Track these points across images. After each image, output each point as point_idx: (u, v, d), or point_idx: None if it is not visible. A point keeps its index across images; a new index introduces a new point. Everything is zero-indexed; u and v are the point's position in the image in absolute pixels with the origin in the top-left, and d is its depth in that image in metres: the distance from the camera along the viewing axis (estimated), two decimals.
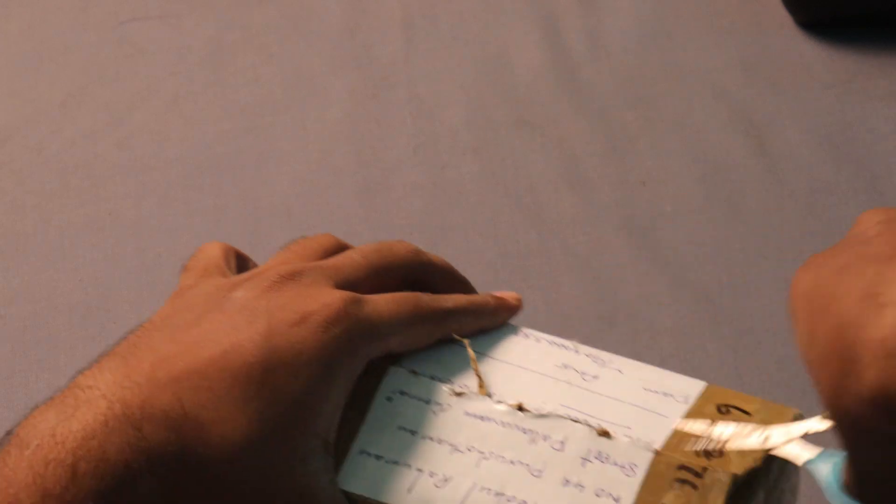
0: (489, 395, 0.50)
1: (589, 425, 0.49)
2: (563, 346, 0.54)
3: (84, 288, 0.74)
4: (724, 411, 0.50)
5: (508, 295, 0.53)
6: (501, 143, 0.80)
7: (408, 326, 0.48)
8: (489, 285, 0.73)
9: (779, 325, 0.70)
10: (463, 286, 0.53)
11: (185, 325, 0.45)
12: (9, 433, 0.44)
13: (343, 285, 0.47)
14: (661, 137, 0.79)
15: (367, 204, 0.77)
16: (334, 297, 0.45)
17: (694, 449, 0.48)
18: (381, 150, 0.80)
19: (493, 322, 0.51)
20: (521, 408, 0.50)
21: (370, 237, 0.75)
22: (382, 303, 0.47)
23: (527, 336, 0.55)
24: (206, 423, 0.42)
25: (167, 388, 0.43)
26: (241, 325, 0.44)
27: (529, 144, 0.80)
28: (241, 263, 0.53)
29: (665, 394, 0.51)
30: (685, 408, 0.50)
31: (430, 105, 0.82)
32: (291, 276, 0.47)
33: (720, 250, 0.73)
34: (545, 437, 0.49)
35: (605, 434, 0.49)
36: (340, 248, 0.51)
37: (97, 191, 0.79)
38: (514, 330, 0.54)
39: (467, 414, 0.49)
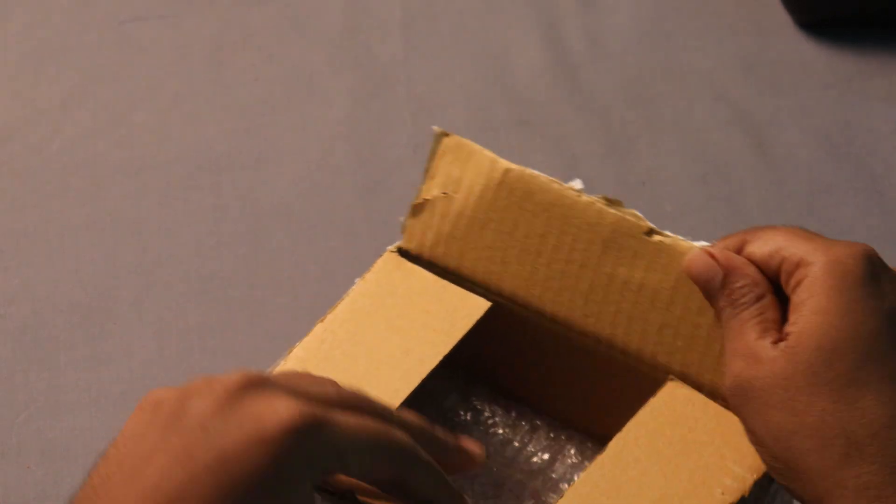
0: None
1: None
2: None
3: (84, 288, 0.74)
4: None
5: (473, 447, 0.51)
6: (501, 143, 0.79)
7: (371, 452, 0.45)
8: None
9: None
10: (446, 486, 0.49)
11: (140, 468, 0.43)
12: None
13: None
14: (661, 137, 0.79)
15: (367, 204, 0.77)
16: (290, 410, 0.43)
17: None
18: (381, 150, 0.80)
19: (452, 468, 0.50)
20: None
21: (370, 237, 0.75)
22: (346, 419, 0.45)
23: None
24: None
25: None
26: (196, 450, 0.43)
27: (529, 144, 0.79)
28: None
29: None
30: None
31: (430, 105, 0.82)
32: (253, 386, 0.44)
33: None
34: None
35: None
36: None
37: (97, 191, 0.79)
38: None
39: None
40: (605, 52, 0.84)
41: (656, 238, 0.53)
